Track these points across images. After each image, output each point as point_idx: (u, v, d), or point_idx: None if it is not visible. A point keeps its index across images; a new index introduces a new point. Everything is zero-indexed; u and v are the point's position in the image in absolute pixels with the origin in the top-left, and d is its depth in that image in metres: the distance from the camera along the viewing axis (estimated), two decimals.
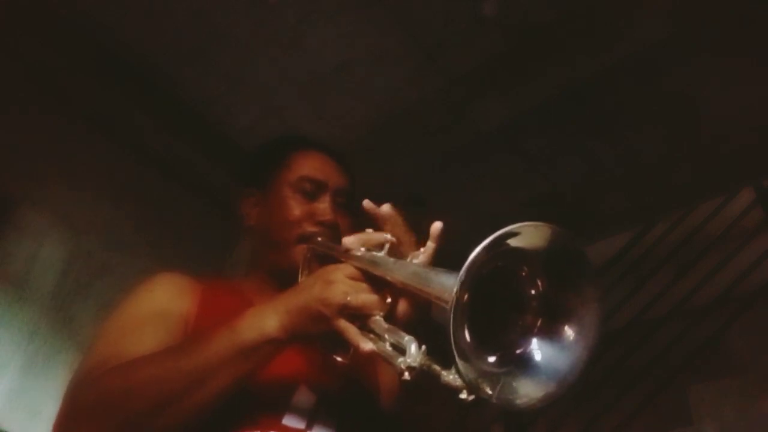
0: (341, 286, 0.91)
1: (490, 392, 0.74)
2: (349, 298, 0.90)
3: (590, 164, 3.27)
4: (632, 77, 2.85)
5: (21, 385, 2.47)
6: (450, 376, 0.76)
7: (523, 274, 0.80)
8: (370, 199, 1.09)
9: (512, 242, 0.74)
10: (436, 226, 0.95)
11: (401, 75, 2.93)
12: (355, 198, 1.29)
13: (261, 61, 2.89)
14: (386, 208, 1.05)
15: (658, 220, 3.27)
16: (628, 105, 2.98)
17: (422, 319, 0.93)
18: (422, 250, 0.96)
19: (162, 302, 1.12)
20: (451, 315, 0.70)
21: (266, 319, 0.93)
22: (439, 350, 0.76)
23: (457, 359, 0.71)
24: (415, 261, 0.95)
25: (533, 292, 0.81)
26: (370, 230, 1.04)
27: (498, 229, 0.73)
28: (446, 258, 0.97)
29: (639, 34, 2.68)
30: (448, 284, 0.75)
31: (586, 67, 2.81)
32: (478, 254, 0.71)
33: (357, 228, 1.08)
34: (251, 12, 2.68)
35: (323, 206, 1.24)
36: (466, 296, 0.73)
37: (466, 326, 0.74)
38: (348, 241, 1.03)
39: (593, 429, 2.88)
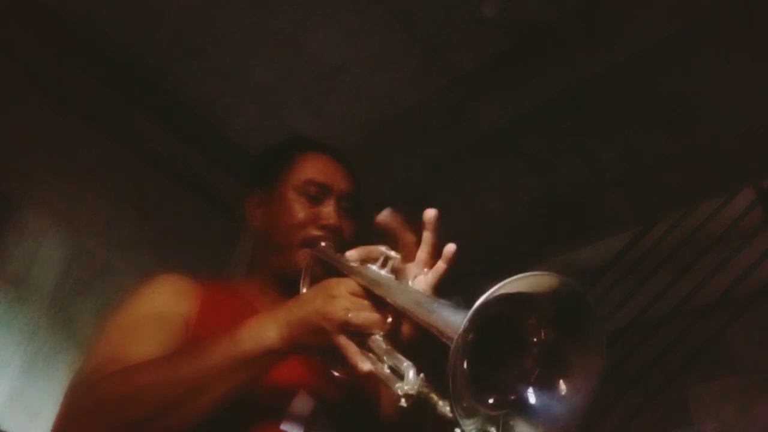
0: (343, 301, 0.90)
1: None
2: (350, 315, 0.89)
3: (590, 164, 3.27)
4: (632, 77, 2.85)
5: (21, 385, 2.47)
6: (447, 408, 0.75)
7: (530, 321, 0.79)
8: (370, 200, 1.07)
9: (523, 289, 0.72)
10: (450, 248, 0.93)
11: (401, 75, 2.93)
12: (360, 202, 1.29)
13: (261, 61, 2.89)
14: (394, 219, 1.02)
15: (658, 220, 3.26)
16: (628, 105, 2.98)
17: (423, 340, 0.92)
18: (426, 270, 0.94)
19: (163, 304, 1.11)
20: (452, 358, 0.69)
21: (266, 330, 0.93)
22: (438, 372, 0.75)
23: (455, 404, 0.70)
24: (420, 278, 0.94)
25: (536, 340, 0.79)
26: (372, 246, 1.02)
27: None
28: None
29: (639, 34, 2.68)
30: (452, 321, 0.74)
31: (586, 67, 2.81)
32: (487, 298, 0.69)
33: (361, 232, 1.06)
34: (251, 12, 2.68)
35: (327, 210, 1.23)
36: (469, 337, 0.71)
37: (465, 365, 0.73)
38: (349, 254, 1.02)
39: (593, 429, 2.88)
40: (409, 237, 0.99)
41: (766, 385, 2.75)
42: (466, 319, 0.69)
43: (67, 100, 2.85)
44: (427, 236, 0.97)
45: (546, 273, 0.73)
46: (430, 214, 0.96)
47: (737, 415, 2.73)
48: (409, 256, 0.98)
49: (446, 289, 0.90)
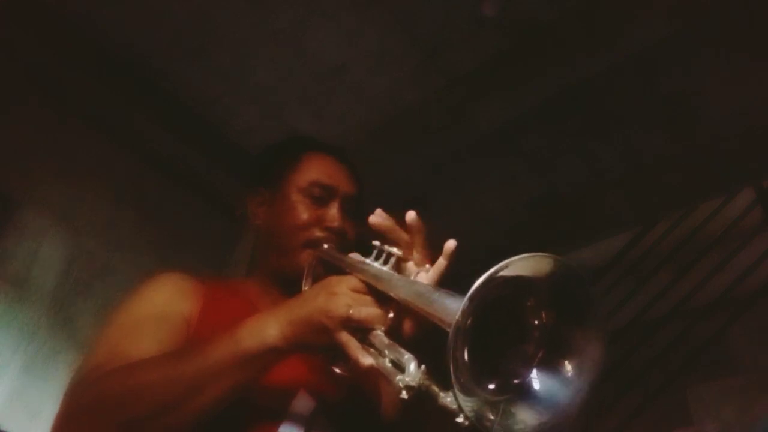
0: (344, 298, 0.91)
1: (491, 418, 0.73)
2: (351, 311, 0.89)
3: (590, 164, 3.27)
4: (632, 77, 2.85)
5: (21, 385, 2.47)
6: (448, 399, 0.75)
7: (529, 304, 0.79)
8: (370, 200, 1.07)
9: (521, 272, 0.72)
10: (450, 244, 0.93)
11: (401, 75, 2.93)
12: (362, 203, 1.28)
13: (261, 61, 2.89)
14: (387, 219, 1.02)
15: (658, 220, 3.27)
16: (628, 105, 2.98)
17: (425, 334, 0.92)
18: (427, 266, 0.95)
19: (164, 303, 1.11)
20: (452, 341, 0.69)
21: (268, 328, 0.93)
22: (440, 366, 0.75)
23: (456, 387, 0.70)
24: (422, 275, 0.94)
25: (537, 323, 0.79)
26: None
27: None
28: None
29: (639, 34, 2.68)
30: (451, 308, 0.74)
31: (586, 67, 2.81)
32: (485, 281, 0.70)
33: (368, 234, 1.05)
34: (251, 12, 2.69)
35: (332, 212, 1.23)
36: (469, 321, 0.71)
37: (466, 351, 0.73)
38: (354, 254, 1.03)
39: (593, 429, 2.88)
40: (405, 236, 0.99)
41: (766, 385, 2.75)
42: (466, 298, 0.69)
43: (67, 100, 2.85)
44: (415, 239, 0.97)
45: (543, 255, 0.73)
46: (411, 216, 0.97)
47: (737, 415, 2.73)
48: (407, 255, 0.98)
49: (447, 285, 0.90)
